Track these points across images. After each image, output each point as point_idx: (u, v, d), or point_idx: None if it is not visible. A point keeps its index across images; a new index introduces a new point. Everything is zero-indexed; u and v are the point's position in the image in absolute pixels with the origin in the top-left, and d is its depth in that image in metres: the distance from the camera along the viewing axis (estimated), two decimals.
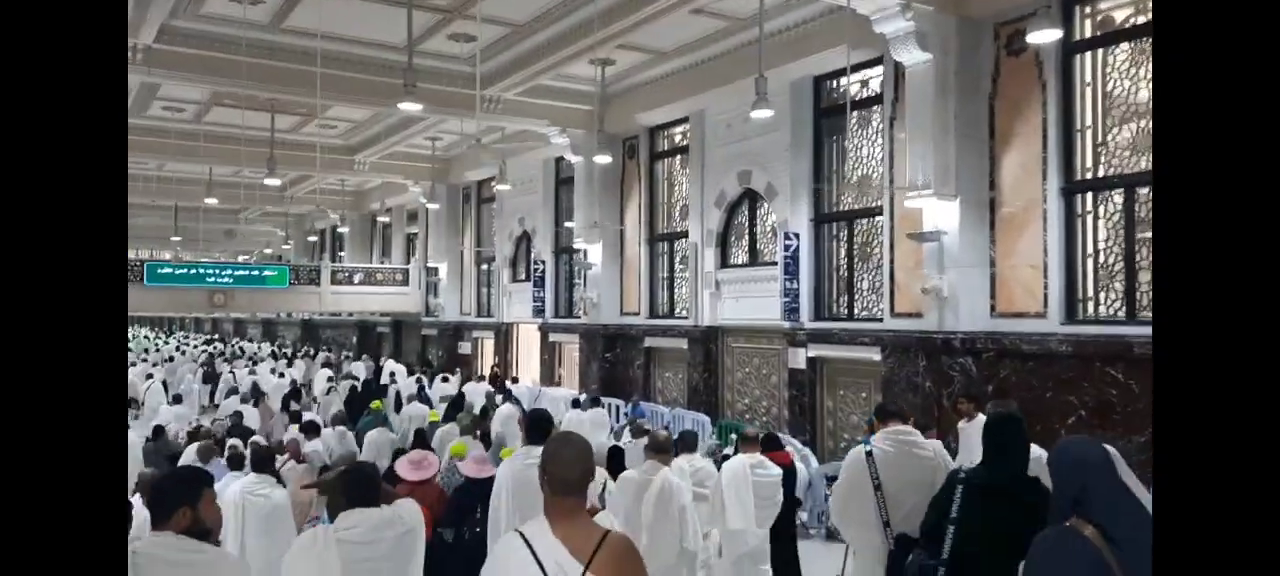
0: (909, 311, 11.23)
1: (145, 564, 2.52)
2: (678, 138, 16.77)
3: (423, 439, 8.30)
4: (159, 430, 11.11)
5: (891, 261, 11.65)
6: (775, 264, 13.75)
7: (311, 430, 9.91)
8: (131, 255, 23.01)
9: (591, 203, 17.40)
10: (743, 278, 14.70)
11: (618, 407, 16.25)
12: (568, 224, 18.68)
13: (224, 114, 19.00)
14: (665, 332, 16.30)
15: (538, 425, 5.10)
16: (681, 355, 15.84)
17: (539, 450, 4.44)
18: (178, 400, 15.61)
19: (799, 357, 13.27)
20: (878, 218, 12.46)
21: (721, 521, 5.87)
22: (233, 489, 5.08)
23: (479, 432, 9.00)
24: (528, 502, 4.31)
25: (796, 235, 13.26)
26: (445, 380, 18.28)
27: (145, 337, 46.60)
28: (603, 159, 15.15)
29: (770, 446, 6.76)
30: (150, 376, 19.24)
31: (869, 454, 4.37)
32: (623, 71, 15.87)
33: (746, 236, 14.94)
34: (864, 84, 12.78)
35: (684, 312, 16.11)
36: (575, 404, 13.89)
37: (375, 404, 12.88)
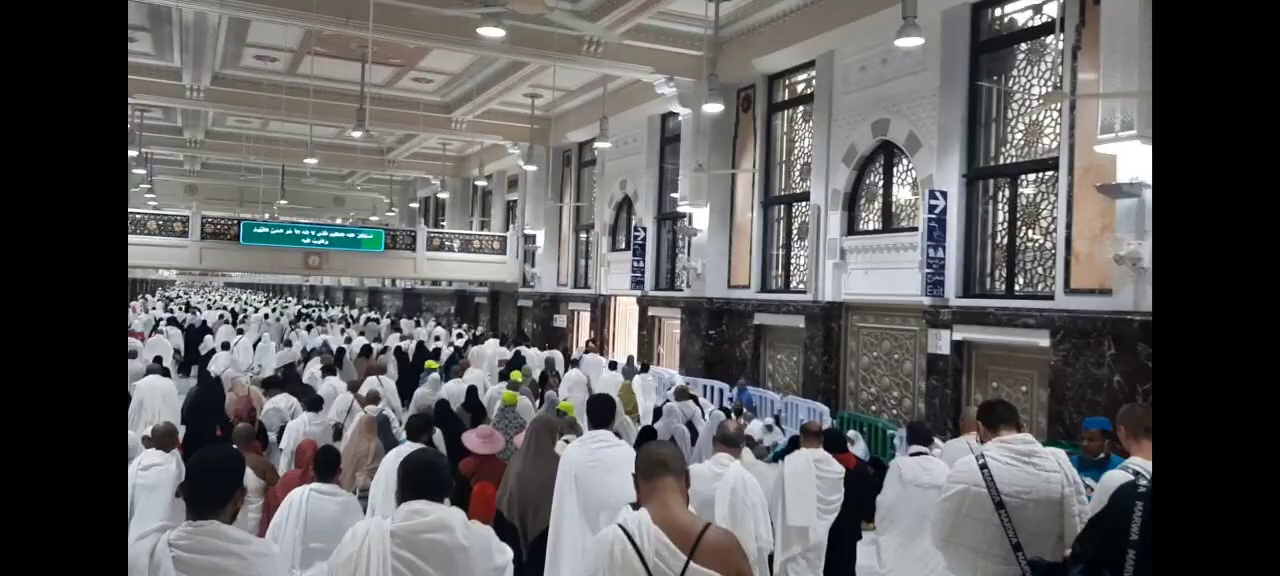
0: (1091, 287, 9.04)
1: (188, 562, 2.30)
2: (801, 86, 14.72)
3: (475, 397, 8.14)
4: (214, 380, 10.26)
5: (1068, 225, 9.46)
6: (915, 229, 11.59)
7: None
8: (233, 214, 22.78)
9: (699, 161, 15.54)
10: (874, 246, 12.56)
11: (720, 392, 14.44)
12: (673, 194, 16.89)
13: (317, 65, 18.10)
14: (779, 309, 14.33)
15: (600, 408, 4.85)
16: (797, 335, 13.84)
17: (604, 434, 4.49)
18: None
19: (941, 341, 11.09)
20: (1050, 172, 10.18)
21: (780, 517, 5.50)
22: (299, 495, 4.49)
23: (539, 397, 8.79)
24: (593, 489, 4.30)
25: (944, 194, 11.06)
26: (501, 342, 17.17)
27: (245, 302, 47.68)
28: (713, 107, 13.27)
29: (834, 446, 6.11)
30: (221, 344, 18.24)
31: (984, 465, 3.58)
32: (739, 9, 13.94)
33: (880, 197, 12.77)
34: (1037, 10, 10.49)
35: (801, 286, 14.09)
36: (612, 366, 13.64)
37: (429, 364, 11.85)
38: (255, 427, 6.81)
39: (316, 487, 4.52)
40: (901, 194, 12.48)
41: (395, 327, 22.95)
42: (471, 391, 8.97)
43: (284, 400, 8.02)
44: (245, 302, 46.67)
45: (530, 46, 14.10)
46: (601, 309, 20.22)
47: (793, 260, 14.68)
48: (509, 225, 25.53)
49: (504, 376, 11.26)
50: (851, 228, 13.08)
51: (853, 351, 13.02)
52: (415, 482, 2.74)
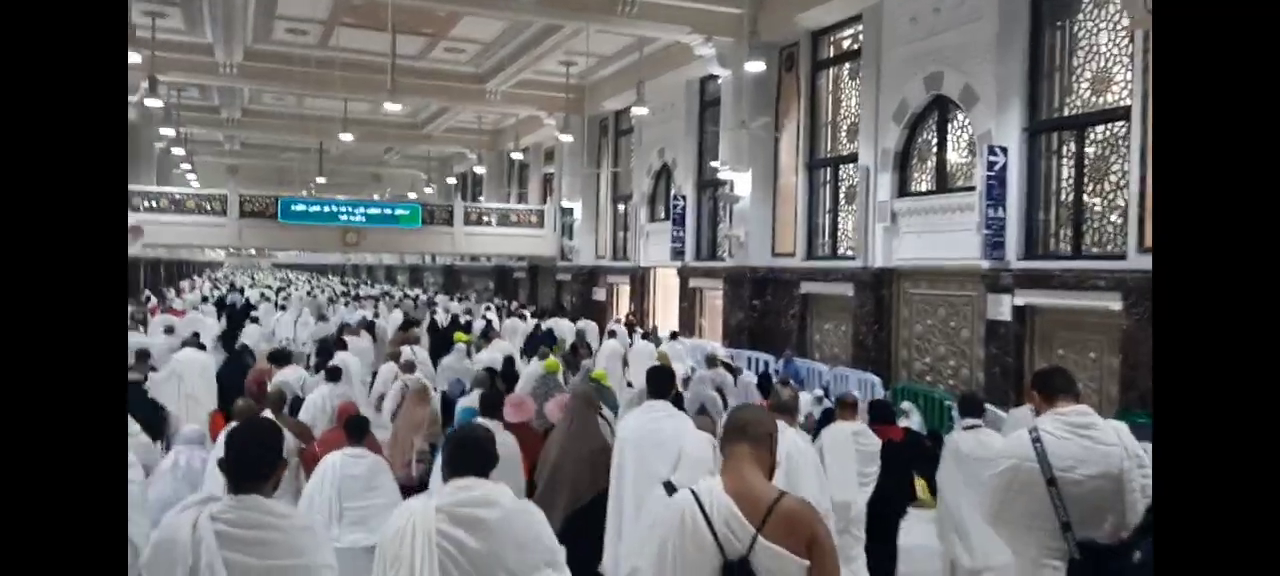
0: None
1: (229, 535, 2.30)
2: (847, 41, 14.00)
3: (511, 367, 8.21)
4: (242, 348, 10.44)
5: (1141, 179, 8.71)
6: (972, 188, 10.92)
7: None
8: (272, 193, 22.72)
9: (740, 125, 14.93)
10: (927, 207, 11.89)
11: (765, 363, 13.91)
12: (713, 162, 16.29)
13: (348, 37, 17.81)
14: (826, 276, 13.73)
15: (659, 379, 4.82)
16: (845, 303, 13.24)
17: (662, 405, 4.55)
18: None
19: (1002, 306, 10.43)
20: (1120, 123, 9.43)
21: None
22: (332, 460, 4.72)
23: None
24: (651, 459, 4.26)
25: (1003, 150, 10.35)
26: (523, 318, 16.84)
27: (287, 281, 48.13)
28: (755, 66, 12.69)
29: (881, 418, 6.01)
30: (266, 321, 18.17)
31: (1037, 439, 3.36)
32: None
33: (933, 156, 12.08)
34: None
35: (850, 252, 13.47)
36: (611, 334, 13.76)
37: (461, 337, 11.52)
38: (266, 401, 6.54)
39: (347, 452, 4.72)
40: (957, 152, 11.76)
41: (430, 305, 22.86)
42: (508, 361, 8.92)
43: (293, 373, 7.92)
44: (287, 281, 47.18)
45: (562, 8, 13.59)
46: (641, 281, 19.77)
47: (840, 225, 14.05)
48: (546, 198, 25.17)
49: (529, 350, 11.23)
50: (903, 189, 12.40)
51: (905, 320, 12.39)
52: (462, 458, 2.70)
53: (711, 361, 10.64)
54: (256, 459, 2.45)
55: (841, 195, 14.03)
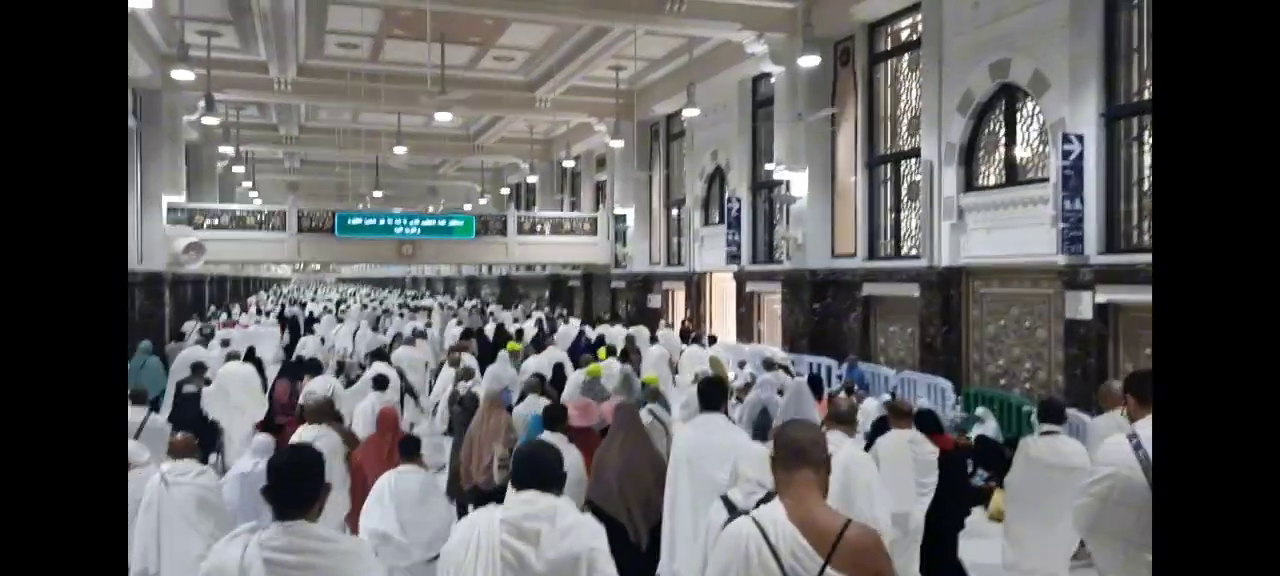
0: None
1: (279, 563, 2.32)
2: (905, 32, 13.43)
3: (561, 373, 8.27)
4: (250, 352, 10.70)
5: None
6: (1045, 180, 10.28)
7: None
8: (330, 208, 23.00)
9: (795, 123, 14.45)
10: (997, 202, 11.25)
11: (827, 369, 13.39)
12: (769, 167, 15.78)
13: (398, 49, 17.86)
14: (889, 277, 13.15)
15: (713, 391, 4.80)
16: (911, 305, 12.65)
17: (717, 418, 4.60)
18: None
19: (1082, 304, 9.76)
20: None
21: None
22: (387, 479, 4.99)
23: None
24: (707, 474, 4.25)
25: (1079, 138, 9.70)
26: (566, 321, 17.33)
27: (347, 295, 48.99)
28: (810, 60, 12.21)
29: (927, 426, 5.69)
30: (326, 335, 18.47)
31: (1137, 446, 3.13)
32: None
33: (1001, 147, 11.43)
34: None
35: (914, 251, 12.88)
36: (653, 340, 13.87)
37: (511, 345, 11.51)
38: (297, 413, 6.68)
39: (401, 469, 5.00)
40: (1027, 141, 11.10)
41: (483, 314, 22.96)
42: (557, 367, 8.84)
43: (320, 383, 7.91)
44: (347, 295, 48.07)
45: (609, 9, 13.32)
46: (696, 286, 19.36)
47: (903, 223, 13.45)
48: (599, 206, 24.95)
49: (573, 355, 11.44)
50: (969, 183, 11.78)
51: (976, 320, 11.75)
52: (528, 473, 2.70)
53: (770, 365, 10.63)
54: (299, 486, 2.45)
55: (903, 192, 13.44)
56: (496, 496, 5.56)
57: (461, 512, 5.97)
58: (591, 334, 15.16)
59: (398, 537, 4.66)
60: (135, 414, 6.27)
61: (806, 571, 2.11)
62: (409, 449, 5.24)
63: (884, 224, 13.78)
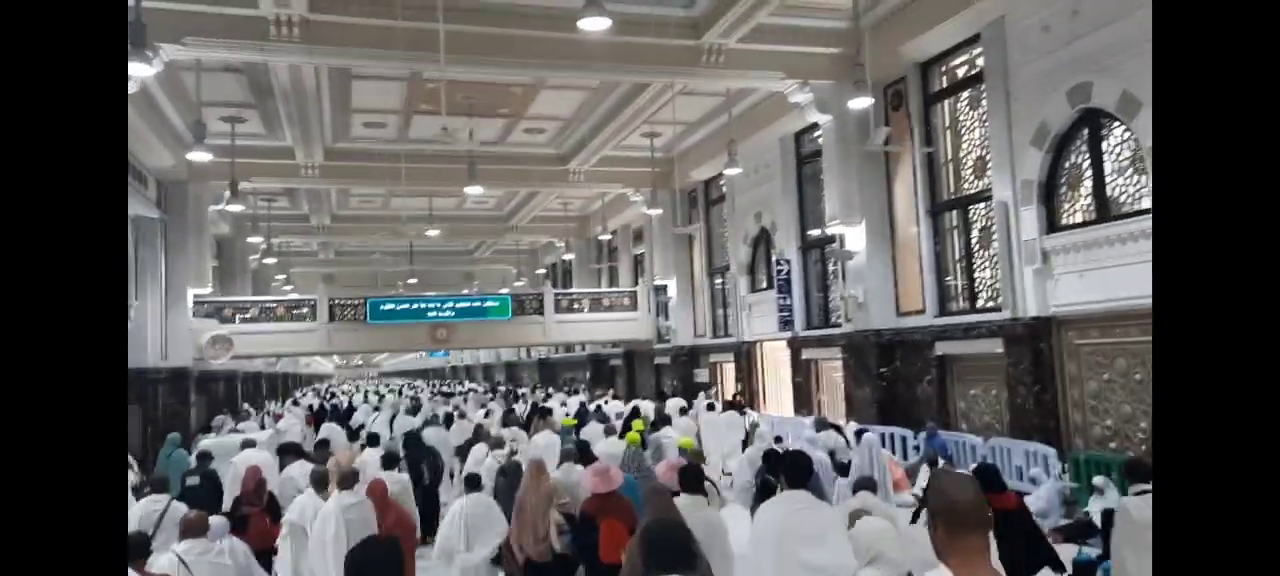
0: None
1: None
2: (962, 68, 12.45)
3: (588, 451, 7.93)
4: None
5: None
6: (1146, 212, 9.03)
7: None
8: (360, 293, 22.40)
9: (848, 174, 13.41)
10: (1088, 241, 10.00)
11: (903, 439, 12.05)
12: (812, 231, 14.72)
13: (426, 127, 17.33)
14: (966, 333, 11.86)
15: (799, 468, 4.51)
16: (993, 363, 11.32)
17: (804, 495, 4.36)
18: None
19: None
20: None
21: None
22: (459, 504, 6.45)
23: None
24: (799, 556, 3.99)
25: None
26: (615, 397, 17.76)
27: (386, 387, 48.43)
28: (861, 102, 11.21)
29: (989, 485, 5.12)
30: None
31: None
32: None
33: (1088, 179, 10.23)
34: None
35: (994, 303, 11.61)
36: (682, 411, 13.90)
37: (566, 421, 12.08)
38: (263, 501, 6.87)
39: (470, 497, 6.39)
40: (1119, 171, 9.90)
41: (513, 397, 22.29)
42: (583, 445, 8.50)
43: (298, 469, 7.89)
44: (384, 389, 47.59)
45: (643, 63, 12.54)
46: (747, 357, 18.12)
47: (976, 273, 12.21)
48: (638, 280, 24.00)
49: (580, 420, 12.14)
50: (1053, 223, 10.56)
51: (1074, 376, 10.37)
52: (669, 557, 2.55)
53: (822, 425, 10.65)
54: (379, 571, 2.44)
55: (974, 239, 12.24)
56: (556, 569, 5.86)
57: None
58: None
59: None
60: (157, 503, 6.43)
61: None
62: (472, 484, 6.62)
63: (954, 275, 12.54)
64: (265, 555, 6.35)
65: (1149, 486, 4.84)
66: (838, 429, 10.93)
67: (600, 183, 20.77)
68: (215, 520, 5.46)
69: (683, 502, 4.71)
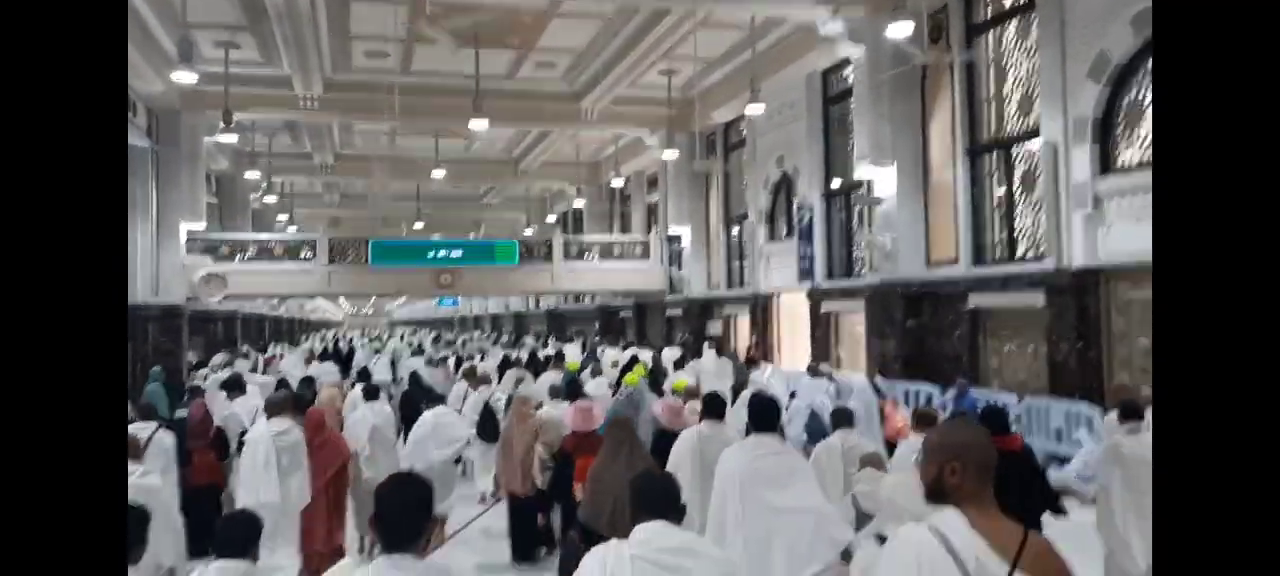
0: None
1: None
2: None
3: (576, 387, 8.35)
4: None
5: None
6: None
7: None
8: (362, 234, 21.69)
9: (880, 112, 12.47)
10: (1145, 184, 9.08)
11: (928, 397, 11.26)
12: (836, 179, 13.77)
13: (430, 59, 16.43)
14: (1003, 285, 11.00)
15: (765, 412, 4.47)
16: (1033, 317, 10.50)
17: (770, 439, 4.36)
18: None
19: None
20: None
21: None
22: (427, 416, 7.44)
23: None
24: (764, 500, 4.03)
25: None
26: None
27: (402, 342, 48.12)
28: (901, 28, 10.25)
29: (995, 426, 5.12)
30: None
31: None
32: None
33: (1148, 120, 9.29)
34: None
35: (1035, 253, 10.74)
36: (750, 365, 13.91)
37: (571, 365, 12.09)
38: (210, 436, 7.01)
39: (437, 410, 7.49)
40: None
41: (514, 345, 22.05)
42: (572, 382, 8.98)
43: (242, 405, 8.00)
44: (388, 335, 47.33)
45: None
46: (763, 309, 17.32)
47: (1017, 220, 11.32)
48: (650, 229, 23.15)
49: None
50: (1107, 165, 9.65)
51: (1122, 333, 9.53)
52: (653, 503, 2.60)
53: (815, 371, 10.66)
54: (406, 518, 2.35)
55: (1016, 183, 11.33)
56: (537, 502, 6.23)
57: (514, 518, 6.65)
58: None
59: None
60: (144, 428, 6.39)
61: None
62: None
63: (992, 223, 11.66)
64: (211, 489, 6.50)
65: (1139, 423, 5.28)
66: (830, 376, 10.80)
67: (614, 123, 19.83)
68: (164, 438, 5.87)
69: (704, 428, 4.99)
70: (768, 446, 4.23)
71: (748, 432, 4.53)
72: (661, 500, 2.61)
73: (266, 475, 5.81)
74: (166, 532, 4.64)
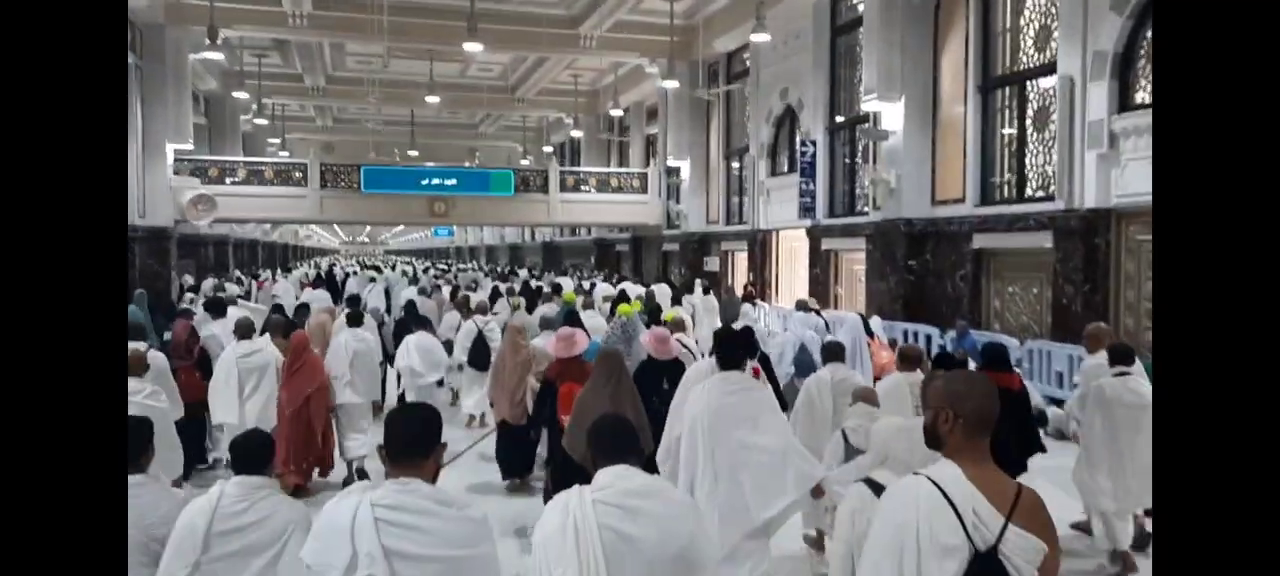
0: None
1: (391, 521, 2.24)
2: None
3: (574, 318, 8.26)
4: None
5: None
6: None
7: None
8: (354, 160, 21.21)
9: (891, 41, 12.02)
10: None
11: (927, 338, 11.07)
12: (839, 114, 13.28)
13: None
14: (1010, 225, 10.72)
15: (734, 347, 4.36)
16: (1039, 259, 10.25)
17: (739, 376, 4.26)
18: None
19: None
20: None
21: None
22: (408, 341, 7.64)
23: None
24: (734, 438, 3.96)
25: None
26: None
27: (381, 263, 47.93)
28: None
29: (994, 363, 5.49)
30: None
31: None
32: None
33: None
34: None
35: (1045, 193, 10.44)
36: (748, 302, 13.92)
37: (568, 296, 11.55)
38: (194, 356, 6.99)
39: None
40: None
41: (505, 277, 21.89)
42: (570, 314, 9.02)
43: (222, 327, 7.94)
44: (383, 264, 47.05)
45: None
46: (761, 246, 17.05)
47: (1028, 159, 10.98)
48: (649, 162, 22.72)
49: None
50: (1125, 102, 9.28)
51: (1130, 276, 9.30)
52: (615, 446, 2.57)
53: (802, 306, 10.50)
54: (414, 442, 2.37)
55: (1028, 120, 10.95)
56: (524, 432, 6.26)
57: (503, 442, 6.69)
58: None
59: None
60: (134, 348, 6.42)
61: (989, 530, 2.01)
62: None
63: (1002, 161, 11.32)
64: (195, 407, 6.39)
65: (1127, 369, 5.26)
66: (817, 311, 10.61)
67: (614, 50, 19.25)
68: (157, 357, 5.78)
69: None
70: (736, 382, 4.15)
71: (716, 369, 4.40)
72: (621, 443, 2.58)
73: (226, 394, 5.97)
74: (168, 449, 4.68)
